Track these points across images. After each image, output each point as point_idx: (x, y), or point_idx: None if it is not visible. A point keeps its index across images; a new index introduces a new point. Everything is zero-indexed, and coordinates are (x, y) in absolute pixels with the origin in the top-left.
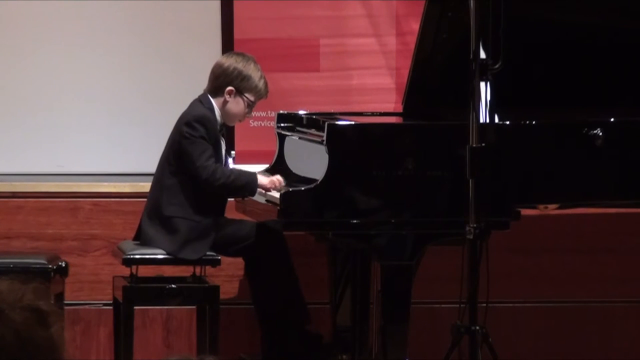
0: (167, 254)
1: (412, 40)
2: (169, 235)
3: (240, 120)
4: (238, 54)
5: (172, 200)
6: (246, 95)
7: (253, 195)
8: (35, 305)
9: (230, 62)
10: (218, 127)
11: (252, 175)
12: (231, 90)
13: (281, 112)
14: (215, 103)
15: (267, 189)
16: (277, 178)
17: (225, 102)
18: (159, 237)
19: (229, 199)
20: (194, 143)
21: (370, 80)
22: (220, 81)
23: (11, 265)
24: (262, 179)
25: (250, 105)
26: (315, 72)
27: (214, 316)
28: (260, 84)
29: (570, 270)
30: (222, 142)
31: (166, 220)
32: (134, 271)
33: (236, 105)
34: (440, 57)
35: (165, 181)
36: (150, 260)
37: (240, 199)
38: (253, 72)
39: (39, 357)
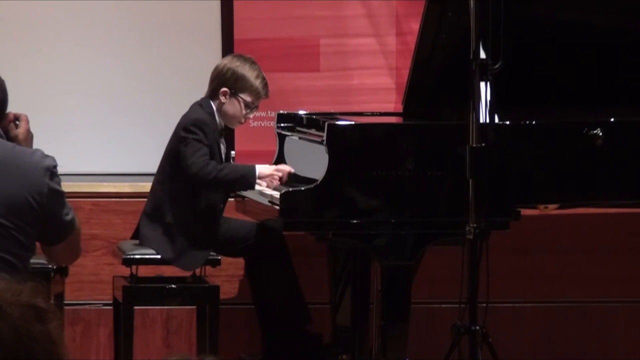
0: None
1: (412, 40)
2: (167, 243)
3: (240, 122)
4: (235, 55)
5: (172, 206)
6: (241, 95)
7: (252, 188)
8: (32, 303)
9: (224, 63)
10: (219, 129)
11: (249, 168)
12: (225, 91)
13: (281, 112)
14: (214, 106)
15: (269, 181)
16: (282, 167)
17: (221, 104)
18: (158, 243)
19: (229, 200)
20: (188, 144)
21: (370, 80)
22: (215, 83)
23: None
24: (264, 169)
25: (249, 106)
26: (315, 72)
27: (214, 316)
28: (257, 83)
29: (570, 270)
30: (222, 145)
31: (165, 226)
32: (134, 271)
33: (232, 106)
34: (440, 57)
35: (165, 186)
36: (150, 260)
37: (240, 198)
38: (248, 72)
39: (38, 351)
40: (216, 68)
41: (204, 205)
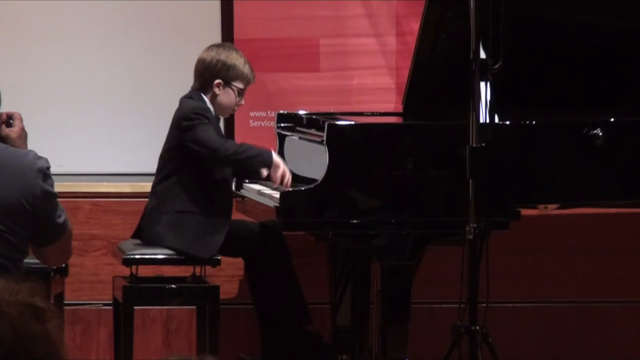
0: (176, 251)
1: (412, 40)
2: (176, 231)
3: (233, 111)
4: (217, 46)
5: (180, 195)
6: (234, 84)
7: (269, 167)
8: (30, 302)
9: (211, 55)
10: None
11: (265, 150)
12: (219, 83)
13: (281, 112)
14: (206, 98)
15: (277, 175)
16: (288, 175)
17: (215, 96)
18: (166, 234)
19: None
20: (197, 128)
21: (370, 80)
22: (206, 76)
23: None
24: (279, 159)
25: (240, 94)
26: (315, 72)
27: (214, 316)
28: (246, 70)
29: (570, 270)
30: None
31: (174, 217)
32: (134, 271)
33: (227, 96)
34: (440, 57)
35: (169, 180)
36: (150, 260)
37: (240, 198)
38: (236, 59)
39: (37, 350)
40: (203, 61)
41: (218, 177)
